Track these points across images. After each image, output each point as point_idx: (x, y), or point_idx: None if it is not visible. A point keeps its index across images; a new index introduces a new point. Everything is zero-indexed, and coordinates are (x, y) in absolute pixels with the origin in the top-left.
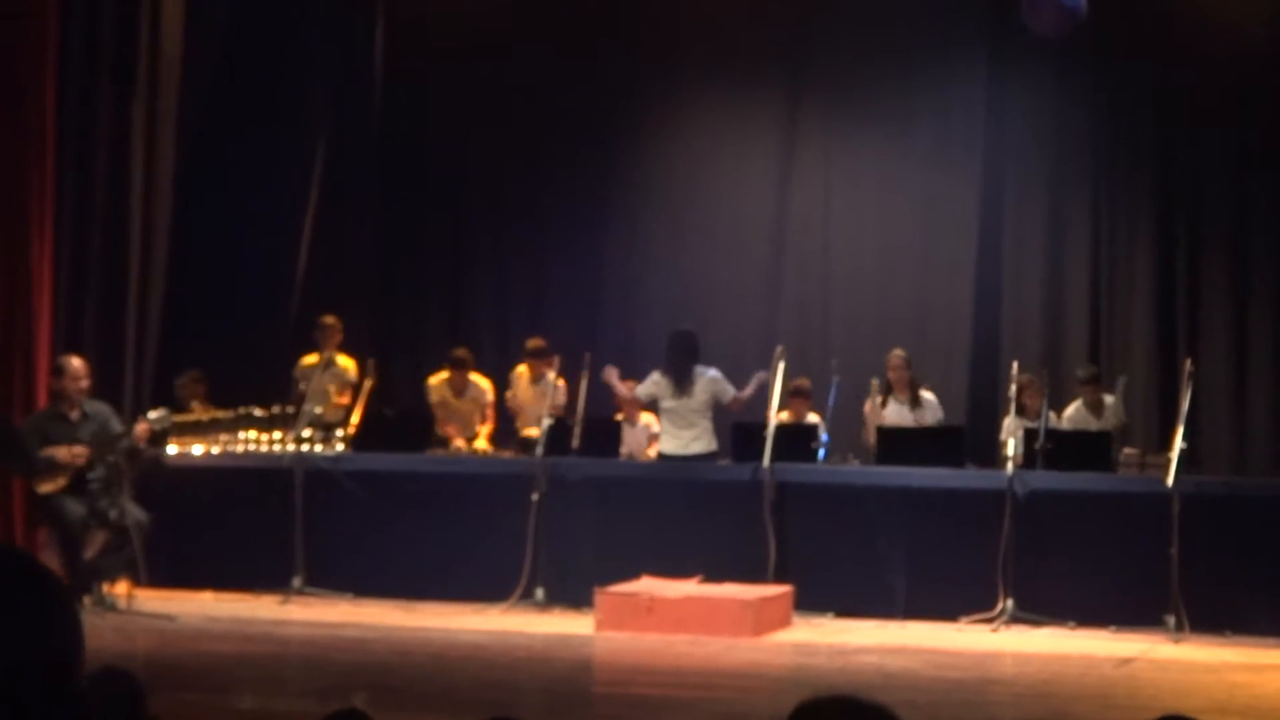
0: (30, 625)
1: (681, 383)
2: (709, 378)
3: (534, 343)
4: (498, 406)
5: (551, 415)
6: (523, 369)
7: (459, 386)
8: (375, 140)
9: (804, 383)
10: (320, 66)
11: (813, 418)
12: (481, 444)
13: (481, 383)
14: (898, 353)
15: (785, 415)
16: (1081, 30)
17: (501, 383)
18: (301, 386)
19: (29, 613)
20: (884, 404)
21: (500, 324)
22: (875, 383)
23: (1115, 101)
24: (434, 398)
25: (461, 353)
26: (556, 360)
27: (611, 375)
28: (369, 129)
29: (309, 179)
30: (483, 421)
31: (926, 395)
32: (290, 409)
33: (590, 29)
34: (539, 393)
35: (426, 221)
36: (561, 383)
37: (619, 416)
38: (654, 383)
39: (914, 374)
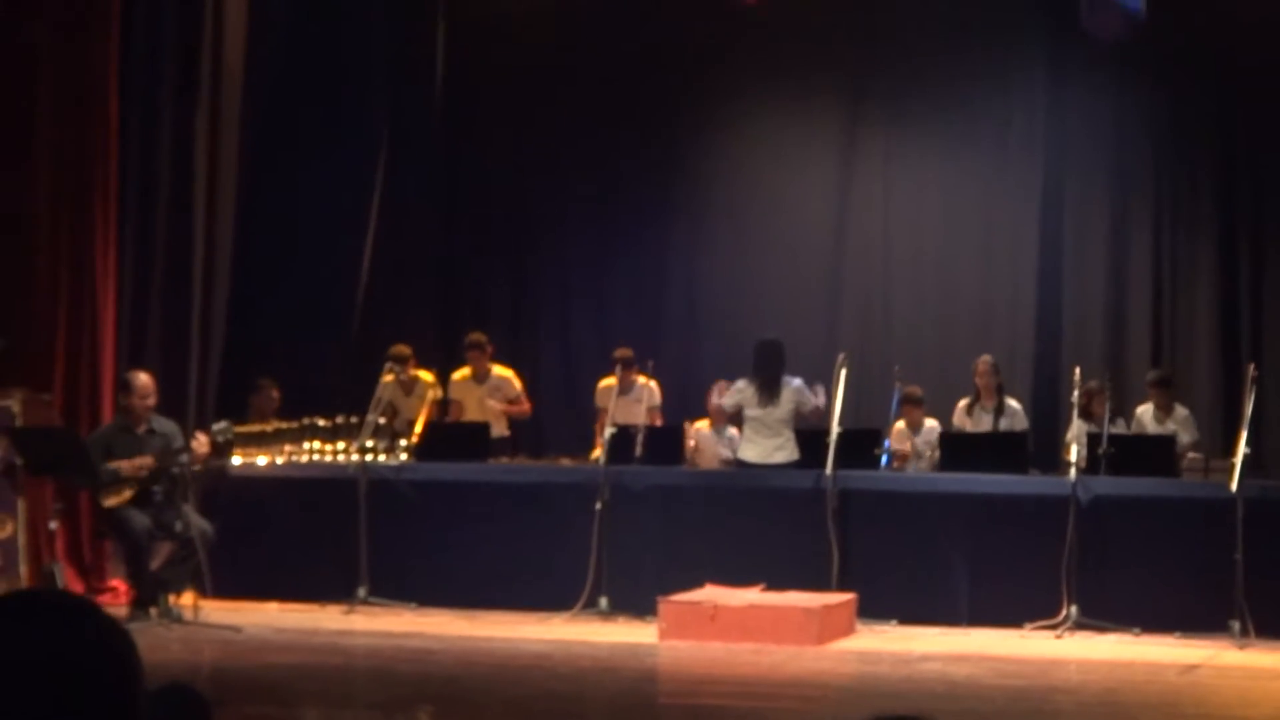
0: (94, 678)
1: (768, 391)
2: (794, 387)
3: (622, 352)
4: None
5: (649, 422)
6: (610, 380)
7: (479, 373)
8: (437, 144)
9: (916, 390)
10: (380, 71)
11: (930, 423)
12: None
13: (504, 372)
14: (985, 359)
15: (901, 424)
16: (1140, 34)
17: (569, 387)
18: (394, 405)
19: (92, 666)
20: (970, 411)
21: (562, 329)
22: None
23: (1176, 106)
24: (453, 394)
25: (477, 336)
26: (647, 364)
27: (715, 392)
28: (430, 133)
29: (371, 185)
30: (517, 410)
31: (1012, 403)
32: (355, 419)
33: (653, 32)
34: (630, 402)
35: (488, 226)
36: (655, 384)
37: (702, 424)
38: (739, 390)
39: (1001, 381)
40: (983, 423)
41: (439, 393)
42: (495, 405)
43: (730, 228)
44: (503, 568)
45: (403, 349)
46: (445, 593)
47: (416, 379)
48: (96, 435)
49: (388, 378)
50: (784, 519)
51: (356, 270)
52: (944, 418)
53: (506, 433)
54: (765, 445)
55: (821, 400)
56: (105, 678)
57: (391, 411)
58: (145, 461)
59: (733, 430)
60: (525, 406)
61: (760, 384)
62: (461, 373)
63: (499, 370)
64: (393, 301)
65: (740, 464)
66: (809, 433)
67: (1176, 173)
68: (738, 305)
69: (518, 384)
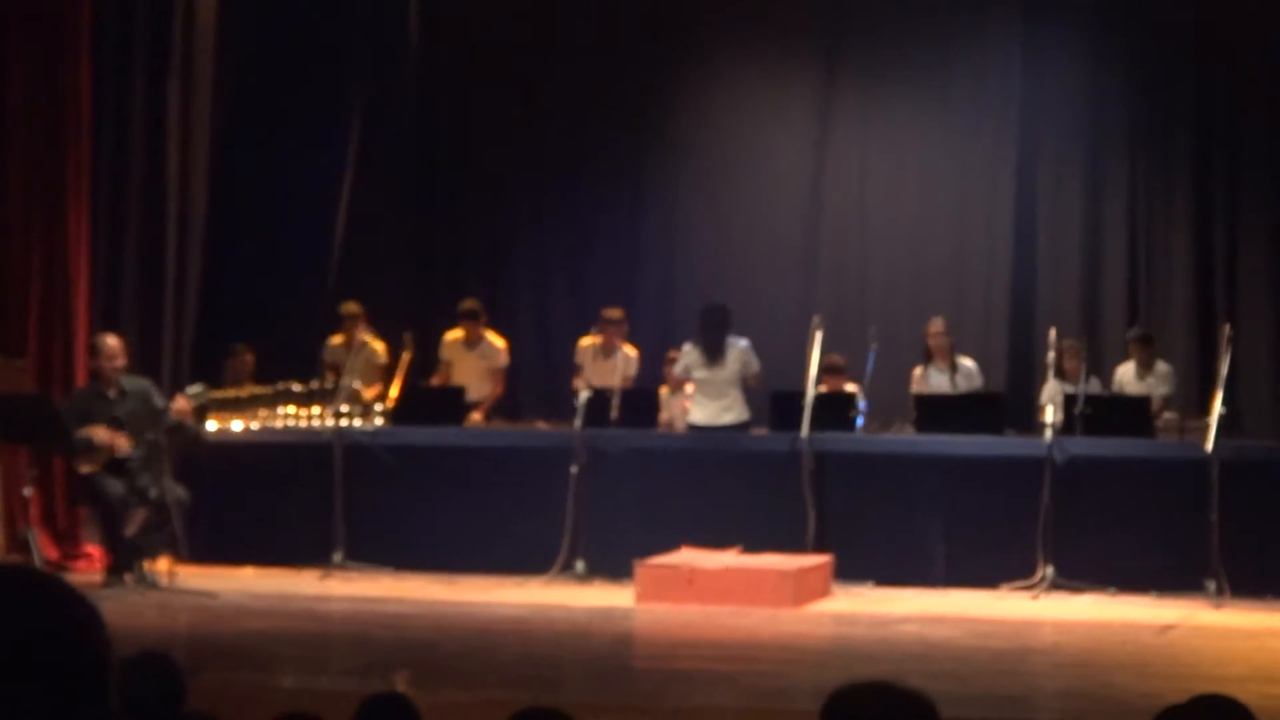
0: (60, 653)
1: (713, 354)
2: (740, 348)
3: (612, 313)
4: (511, 373)
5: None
6: (591, 340)
7: (472, 339)
8: (412, 107)
9: (838, 359)
10: (355, 34)
11: (850, 388)
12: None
13: (497, 342)
14: (938, 320)
15: (822, 389)
16: None
17: (545, 351)
18: (338, 367)
19: (59, 641)
20: (925, 375)
21: (538, 294)
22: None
23: (1152, 63)
24: (444, 355)
25: (471, 304)
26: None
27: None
28: (405, 97)
29: (345, 149)
30: (493, 386)
31: (966, 362)
32: (327, 385)
33: None
34: (609, 366)
35: (464, 190)
36: (634, 352)
37: (665, 389)
38: (685, 354)
39: (954, 341)
40: (941, 384)
41: (409, 354)
42: (479, 364)
43: (705, 191)
44: (479, 532)
45: (350, 306)
46: (421, 557)
47: (481, 336)
48: (69, 402)
49: (336, 339)
50: (760, 482)
51: (331, 234)
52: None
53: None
54: (712, 407)
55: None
56: (70, 652)
57: (335, 373)
58: (120, 441)
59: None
60: (498, 387)
61: (705, 346)
62: (454, 334)
63: (492, 338)
64: (368, 265)
65: (691, 427)
66: (785, 395)
67: (1152, 133)
68: (713, 269)
69: (504, 359)
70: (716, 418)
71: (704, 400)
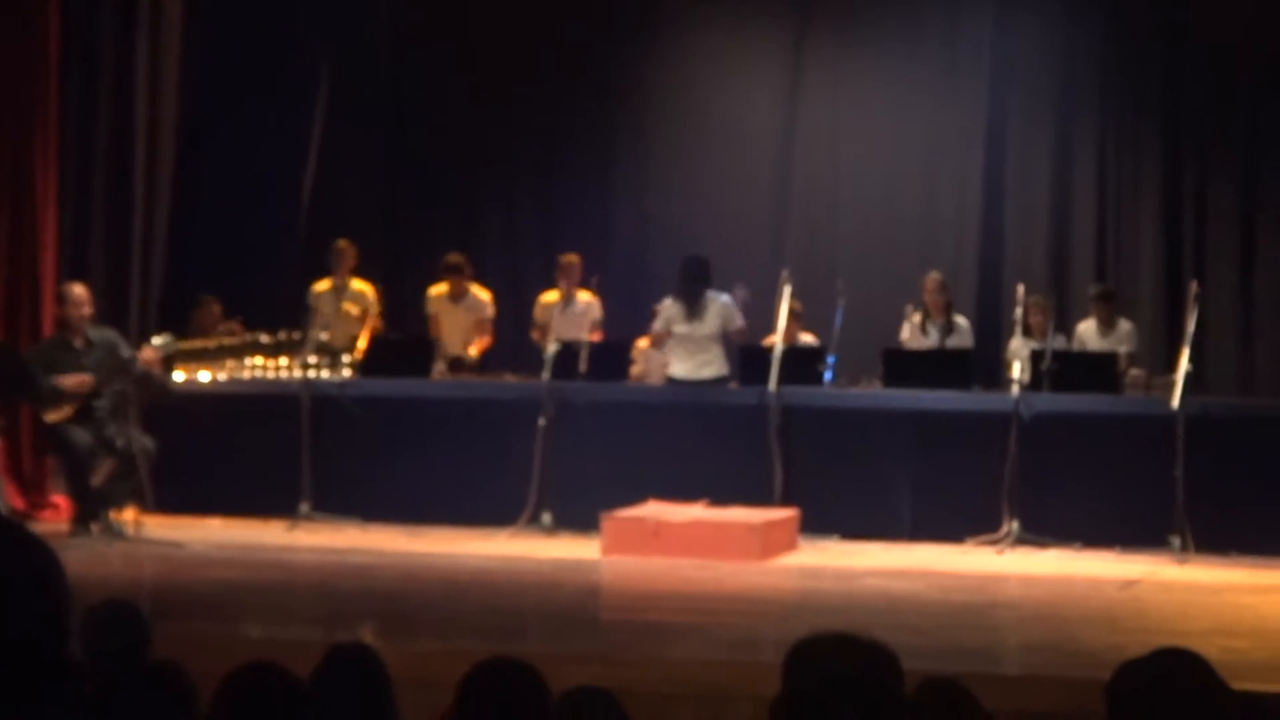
0: (19, 598)
1: (693, 308)
2: (721, 303)
3: (568, 259)
4: (498, 323)
5: (591, 337)
6: (552, 295)
7: (457, 293)
8: (382, 59)
9: (795, 304)
10: None
11: (806, 338)
12: (473, 351)
13: (482, 294)
14: (934, 276)
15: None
16: None
17: (514, 305)
18: (318, 313)
19: (18, 586)
20: (923, 328)
21: (510, 247)
22: (910, 307)
23: (1122, 27)
24: (430, 309)
25: (456, 258)
26: (592, 280)
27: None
28: (376, 48)
29: (315, 101)
30: (479, 335)
31: (960, 321)
32: (298, 335)
33: None
34: (572, 317)
35: (435, 143)
36: (593, 298)
37: (643, 342)
38: (666, 308)
39: (950, 299)
40: (934, 339)
41: (377, 305)
42: (465, 319)
43: (676, 147)
44: (446, 483)
45: (341, 243)
46: (388, 508)
47: (466, 289)
48: (36, 349)
49: (322, 285)
50: (727, 435)
51: (300, 186)
52: (887, 335)
53: (476, 353)
54: (692, 361)
55: (742, 322)
56: (28, 596)
57: (322, 324)
58: (85, 379)
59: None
60: (486, 337)
61: (685, 300)
62: (438, 289)
63: (477, 291)
64: (338, 218)
65: (670, 381)
66: (753, 349)
67: (1122, 92)
68: (685, 224)
69: (490, 310)
70: (696, 372)
71: (683, 354)
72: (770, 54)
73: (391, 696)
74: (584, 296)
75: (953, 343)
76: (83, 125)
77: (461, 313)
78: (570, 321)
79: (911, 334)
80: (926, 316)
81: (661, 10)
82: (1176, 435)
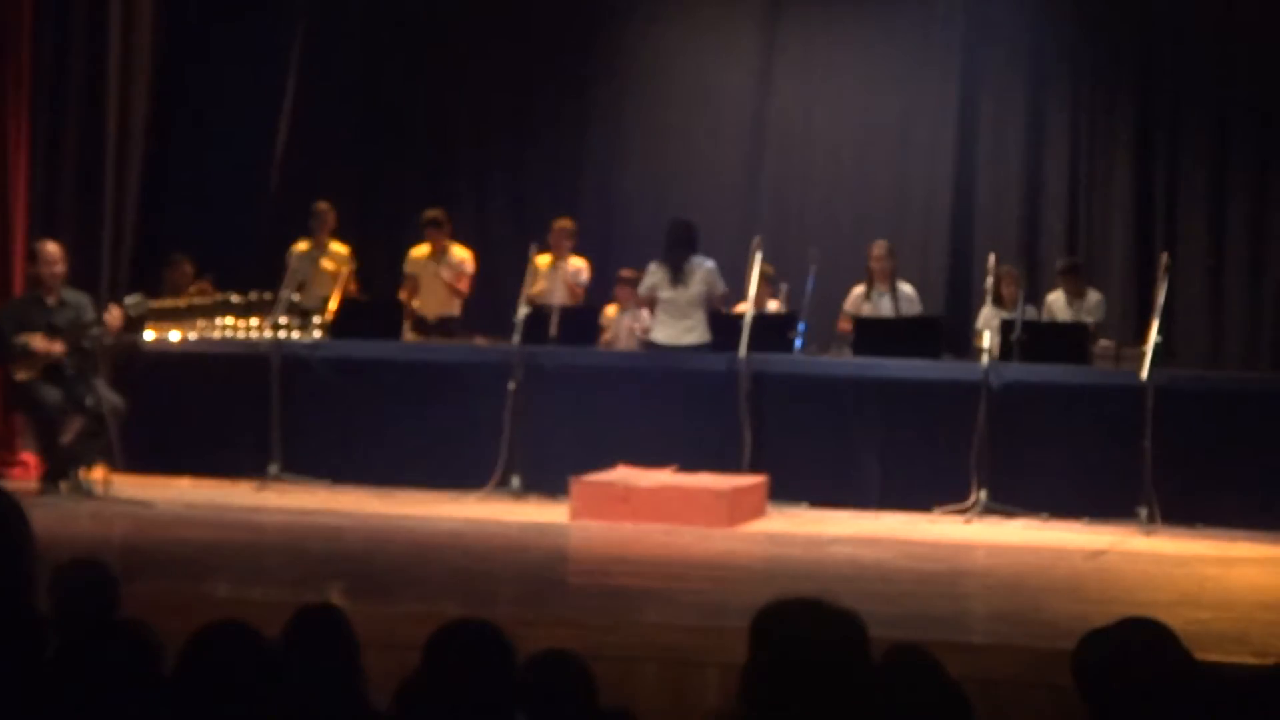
0: None
1: (678, 273)
2: (706, 269)
3: (562, 223)
4: (478, 279)
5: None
6: (545, 258)
7: (437, 251)
8: (356, 21)
9: (767, 267)
10: None
11: (773, 304)
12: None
13: (461, 253)
14: (881, 243)
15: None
16: None
17: (485, 268)
18: (293, 273)
19: None
20: (867, 295)
21: (480, 211)
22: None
23: (1096, 2)
24: (410, 270)
25: (435, 213)
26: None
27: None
28: (349, 7)
29: (288, 60)
30: (463, 291)
31: (905, 287)
32: (269, 295)
33: None
34: (557, 278)
35: (407, 103)
36: (584, 263)
37: (612, 309)
38: (651, 273)
39: (895, 266)
40: (881, 307)
41: (350, 267)
42: (444, 276)
43: (649, 115)
44: (416, 446)
45: (321, 205)
46: (358, 470)
47: (446, 246)
48: (7, 307)
49: (301, 246)
50: (697, 401)
51: (273, 145)
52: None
53: (456, 313)
54: (675, 327)
55: (724, 288)
56: None
57: (300, 284)
58: (56, 347)
59: (644, 311)
60: (463, 285)
61: (670, 265)
62: (420, 250)
63: (457, 250)
64: (311, 178)
65: (652, 345)
66: (724, 316)
67: (1095, 62)
68: (656, 188)
69: (471, 266)
70: (679, 338)
71: (667, 320)
72: (744, 21)
73: (359, 657)
74: (576, 262)
75: (903, 309)
76: (54, 82)
77: (442, 273)
78: (558, 280)
79: (857, 305)
80: (871, 285)
81: None
82: (1145, 406)
